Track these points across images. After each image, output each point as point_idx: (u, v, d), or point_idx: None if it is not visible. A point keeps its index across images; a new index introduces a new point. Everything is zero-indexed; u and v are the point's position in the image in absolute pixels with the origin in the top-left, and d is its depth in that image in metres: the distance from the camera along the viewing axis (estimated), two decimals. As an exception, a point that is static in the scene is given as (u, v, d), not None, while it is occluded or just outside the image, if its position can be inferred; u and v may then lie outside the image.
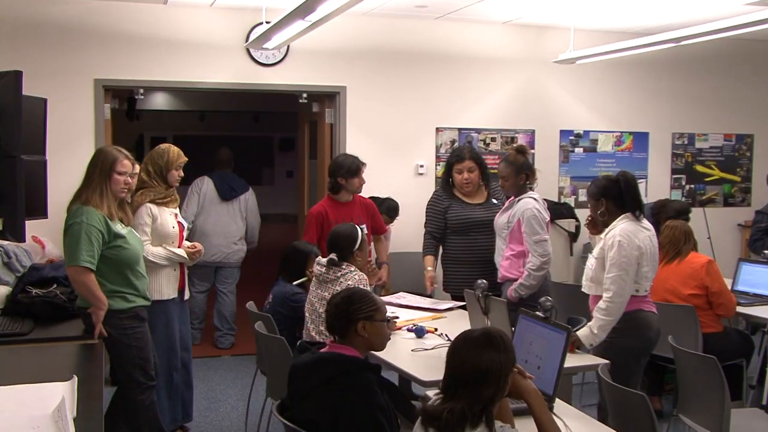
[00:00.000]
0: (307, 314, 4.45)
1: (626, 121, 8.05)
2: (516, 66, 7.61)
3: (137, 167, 4.34)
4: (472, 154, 5.51)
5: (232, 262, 7.18)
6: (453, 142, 7.40)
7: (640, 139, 8.12)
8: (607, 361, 3.81)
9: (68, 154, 6.25)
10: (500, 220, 5.16)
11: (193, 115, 15.78)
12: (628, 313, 4.14)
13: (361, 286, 4.16)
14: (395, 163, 7.32)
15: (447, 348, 2.65)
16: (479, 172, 5.49)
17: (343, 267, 4.34)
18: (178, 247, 4.75)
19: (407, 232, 6.92)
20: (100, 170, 4.09)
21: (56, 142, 5.80)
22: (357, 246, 4.39)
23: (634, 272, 4.11)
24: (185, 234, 4.89)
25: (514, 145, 5.98)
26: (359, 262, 4.41)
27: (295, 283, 5.00)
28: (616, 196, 4.21)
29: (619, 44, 6.38)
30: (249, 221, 7.43)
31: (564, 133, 7.85)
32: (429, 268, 5.57)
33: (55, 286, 4.40)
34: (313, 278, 4.50)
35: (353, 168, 5.53)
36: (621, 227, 4.15)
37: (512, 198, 5.12)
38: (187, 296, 4.92)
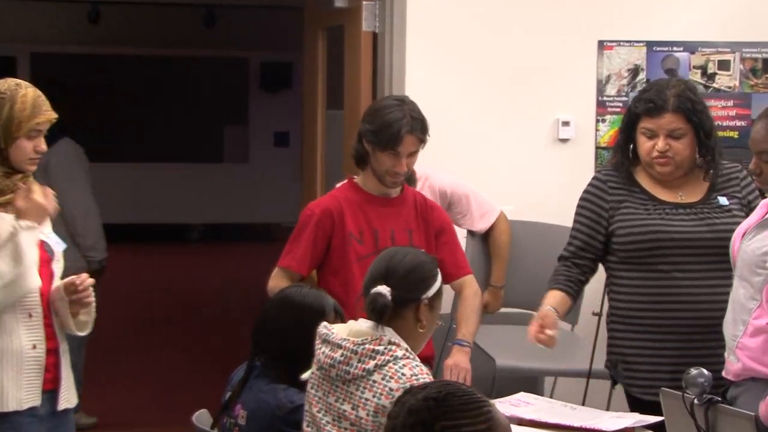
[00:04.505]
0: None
1: None
2: None
3: None
4: (680, 100, 5.62)
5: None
6: (635, 72, 7.54)
7: None
8: None
9: None
10: (748, 244, 5.08)
11: (75, 12, 16.17)
12: None
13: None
14: (510, 117, 7.54)
15: None
16: (693, 139, 5.60)
17: (389, 344, 4.30)
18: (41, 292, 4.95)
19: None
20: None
21: None
22: (432, 292, 4.48)
23: None
24: (59, 267, 5.12)
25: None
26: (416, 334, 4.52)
27: (303, 376, 4.90)
28: None
29: None
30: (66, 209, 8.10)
31: None
32: (547, 307, 5.71)
33: None
34: (314, 368, 4.59)
35: (391, 133, 5.74)
36: None
37: (775, 197, 5.20)
38: (69, 403, 5.11)
